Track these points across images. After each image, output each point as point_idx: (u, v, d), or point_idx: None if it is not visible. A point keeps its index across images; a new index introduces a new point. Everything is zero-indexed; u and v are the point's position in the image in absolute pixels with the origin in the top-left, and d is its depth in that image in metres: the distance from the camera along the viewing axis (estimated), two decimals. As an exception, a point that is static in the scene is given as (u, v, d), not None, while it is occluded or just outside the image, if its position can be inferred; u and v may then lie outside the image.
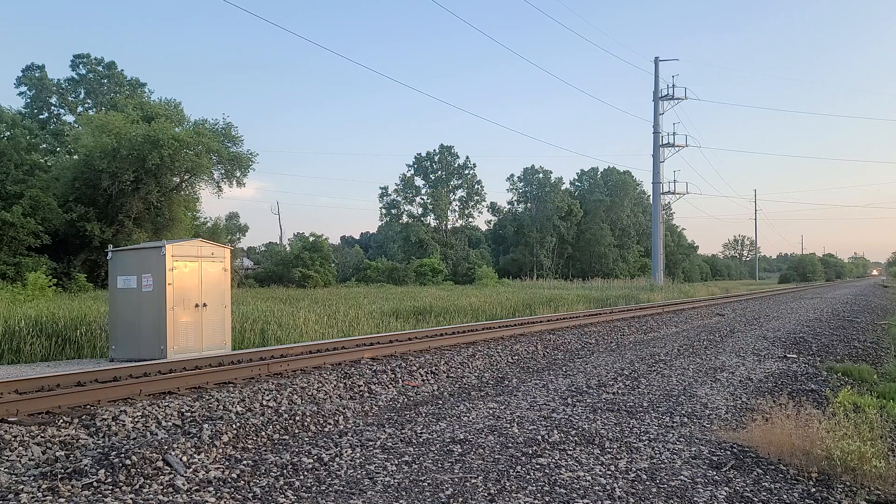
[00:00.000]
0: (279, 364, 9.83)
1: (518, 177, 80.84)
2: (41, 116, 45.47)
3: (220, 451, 5.83)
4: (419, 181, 73.52)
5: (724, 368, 11.36)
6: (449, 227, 73.22)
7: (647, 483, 5.33)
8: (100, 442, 6.04)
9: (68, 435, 6.05)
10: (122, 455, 5.22)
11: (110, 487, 4.83)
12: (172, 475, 5.12)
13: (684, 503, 4.93)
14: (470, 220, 75.78)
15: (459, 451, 6.12)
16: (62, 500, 4.59)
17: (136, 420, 6.64)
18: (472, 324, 17.79)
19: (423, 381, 9.80)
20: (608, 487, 5.19)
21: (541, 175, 78.62)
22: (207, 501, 4.69)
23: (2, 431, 5.83)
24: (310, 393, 8.40)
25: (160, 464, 5.23)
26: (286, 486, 5.06)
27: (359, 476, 5.36)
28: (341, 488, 5.07)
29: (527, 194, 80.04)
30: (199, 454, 5.60)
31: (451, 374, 10.43)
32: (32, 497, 4.57)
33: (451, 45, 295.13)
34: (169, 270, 11.73)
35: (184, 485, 4.96)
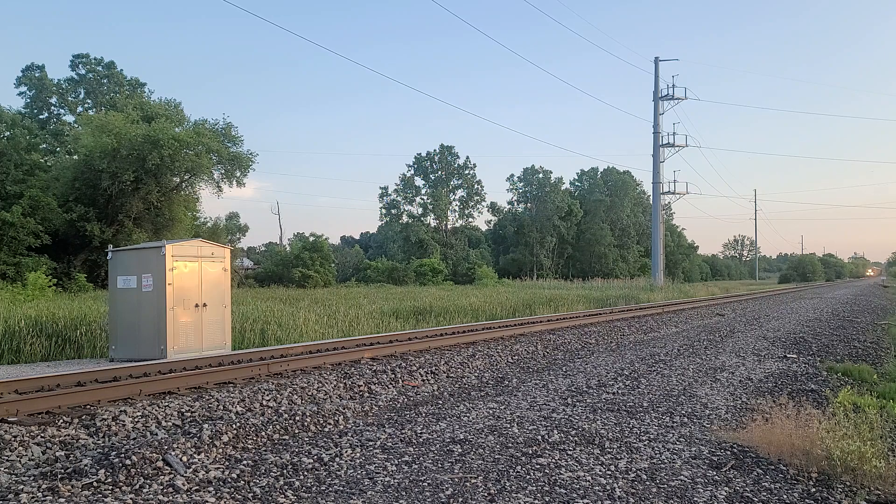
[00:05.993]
0: (279, 364, 9.83)
1: (518, 177, 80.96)
2: (41, 116, 45.50)
3: (220, 451, 5.83)
4: (419, 181, 73.67)
5: (724, 368, 11.36)
6: (449, 227, 73.28)
7: (647, 483, 5.33)
8: (100, 442, 6.04)
9: (68, 435, 6.05)
10: (122, 455, 5.22)
11: (110, 487, 4.83)
12: (172, 475, 5.12)
13: (684, 503, 4.93)
14: (470, 220, 75.94)
15: (459, 451, 6.12)
16: (62, 500, 4.58)
17: (136, 420, 6.64)
18: (472, 324, 17.79)
19: (423, 381, 9.80)
20: (608, 487, 5.19)
21: (541, 175, 78.66)
22: (207, 501, 4.69)
23: (2, 431, 5.83)
24: (310, 393, 8.40)
25: (160, 464, 5.22)
26: (286, 486, 5.06)
27: (359, 476, 5.36)
28: (341, 488, 5.07)
29: (527, 194, 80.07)
30: (199, 454, 5.60)
31: (451, 374, 10.43)
32: (32, 497, 4.57)
33: (452, 46, 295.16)
34: (169, 270, 11.73)
35: (184, 485, 4.96)
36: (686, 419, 7.57)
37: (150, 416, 6.78)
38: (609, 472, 5.56)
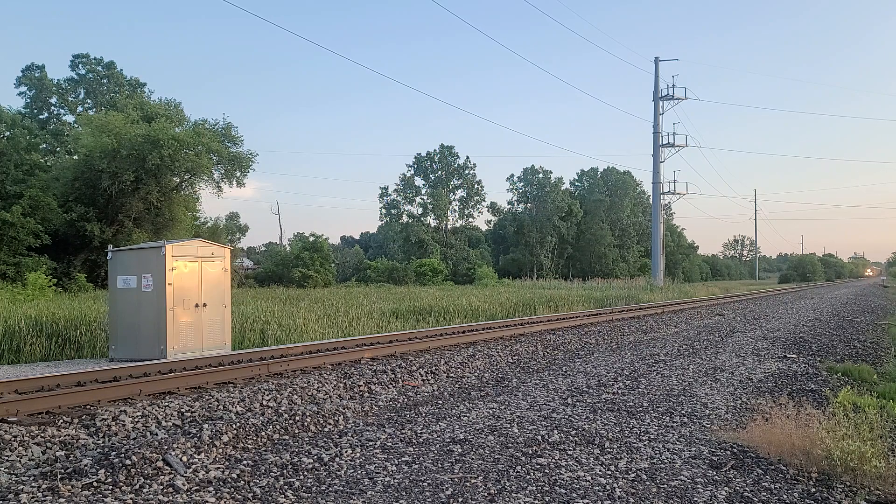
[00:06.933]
0: (279, 364, 9.83)
1: (518, 177, 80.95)
2: (41, 116, 45.50)
3: (220, 451, 5.83)
4: (419, 181, 73.68)
5: (724, 368, 11.36)
6: (449, 227, 73.27)
7: (647, 483, 5.33)
8: (100, 442, 6.04)
9: (68, 435, 6.05)
10: (122, 455, 5.22)
11: (110, 487, 4.83)
12: (172, 475, 5.12)
13: (684, 503, 4.93)
14: (470, 220, 75.93)
15: (459, 451, 6.12)
16: (62, 500, 4.58)
17: (136, 420, 6.64)
18: (472, 324, 17.79)
19: (423, 381, 9.80)
20: (608, 487, 5.19)
21: (541, 175, 78.66)
22: (207, 501, 4.69)
23: (2, 431, 5.83)
24: (310, 393, 8.40)
25: (160, 464, 5.22)
26: (286, 486, 5.06)
27: (359, 476, 5.36)
28: (341, 488, 5.07)
29: (527, 194, 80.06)
30: (199, 454, 5.60)
31: (451, 374, 10.43)
32: (32, 497, 4.57)
33: (452, 46, 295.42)
34: (169, 270, 11.73)
35: (184, 485, 4.96)
36: (686, 419, 7.57)
37: (150, 416, 6.78)
38: (609, 472, 5.56)
